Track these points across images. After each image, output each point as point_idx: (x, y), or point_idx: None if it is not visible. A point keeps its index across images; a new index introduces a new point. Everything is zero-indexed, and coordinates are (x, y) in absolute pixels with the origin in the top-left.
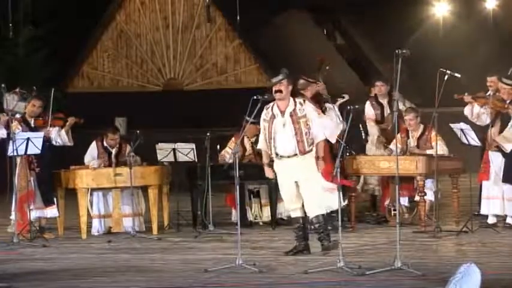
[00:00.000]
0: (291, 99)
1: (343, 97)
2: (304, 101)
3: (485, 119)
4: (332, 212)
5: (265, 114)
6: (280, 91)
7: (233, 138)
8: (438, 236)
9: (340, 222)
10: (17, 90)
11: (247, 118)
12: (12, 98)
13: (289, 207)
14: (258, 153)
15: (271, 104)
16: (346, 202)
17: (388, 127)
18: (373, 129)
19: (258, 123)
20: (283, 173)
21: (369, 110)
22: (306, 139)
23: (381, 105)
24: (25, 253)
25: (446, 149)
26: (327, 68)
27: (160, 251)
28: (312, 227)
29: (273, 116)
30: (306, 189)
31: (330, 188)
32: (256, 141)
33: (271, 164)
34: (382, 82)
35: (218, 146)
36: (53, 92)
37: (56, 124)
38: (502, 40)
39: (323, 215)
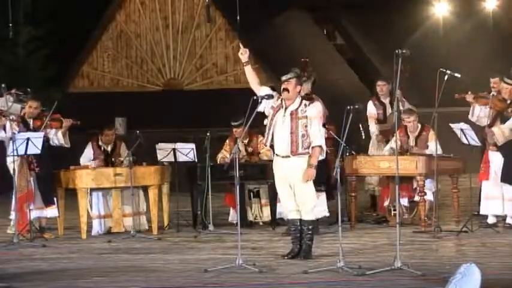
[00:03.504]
0: (299, 99)
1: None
2: (310, 103)
3: (485, 122)
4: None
5: (274, 102)
6: (287, 90)
7: (227, 141)
8: (438, 236)
9: (340, 222)
10: (13, 91)
11: (232, 122)
12: (7, 99)
13: (285, 208)
14: (251, 154)
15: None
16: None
17: (390, 127)
18: (373, 128)
19: (241, 125)
20: (279, 173)
21: (371, 109)
22: (302, 141)
23: (383, 105)
24: (25, 253)
25: (439, 148)
26: (310, 69)
27: (160, 251)
28: (305, 227)
29: (280, 107)
30: (299, 192)
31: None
32: (249, 143)
33: None
34: (384, 81)
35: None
36: (55, 104)
37: (53, 125)
38: (502, 40)
39: (315, 220)
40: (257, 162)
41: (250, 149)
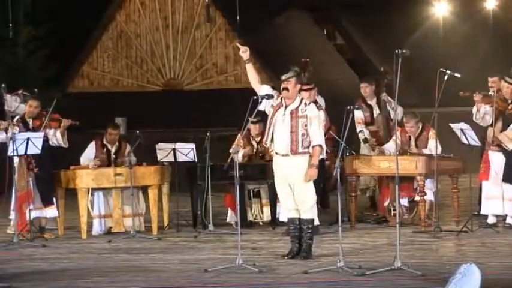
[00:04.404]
0: (299, 98)
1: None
2: (310, 103)
3: (489, 120)
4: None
5: (274, 101)
6: (287, 89)
7: (239, 136)
8: (438, 236)
9: (340, 222)
10: (20, 92)
11: (249, 118)
12: (14, 100)
13: (284, 207)
14: (259, 153)
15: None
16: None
17: (379, 128)
18: (365, 130)
19: (259, 122)
20: (278, 173)
21: (358, 113)
22: (302, 140)
23: (370, 107)
24: (25, 253)
25: (439, 147)
26: (311, 68)
27: (160, 251)
28: (304, 226)
29: (280, 105)
30: (299, 191)
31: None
32: (260, 141)
33: None
34: (366, 83)
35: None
36: (54, 102)
37: (52, 125)
38: (502, 40)
39: (313, 220)
40: (258, 162)
41: (260, 148)
